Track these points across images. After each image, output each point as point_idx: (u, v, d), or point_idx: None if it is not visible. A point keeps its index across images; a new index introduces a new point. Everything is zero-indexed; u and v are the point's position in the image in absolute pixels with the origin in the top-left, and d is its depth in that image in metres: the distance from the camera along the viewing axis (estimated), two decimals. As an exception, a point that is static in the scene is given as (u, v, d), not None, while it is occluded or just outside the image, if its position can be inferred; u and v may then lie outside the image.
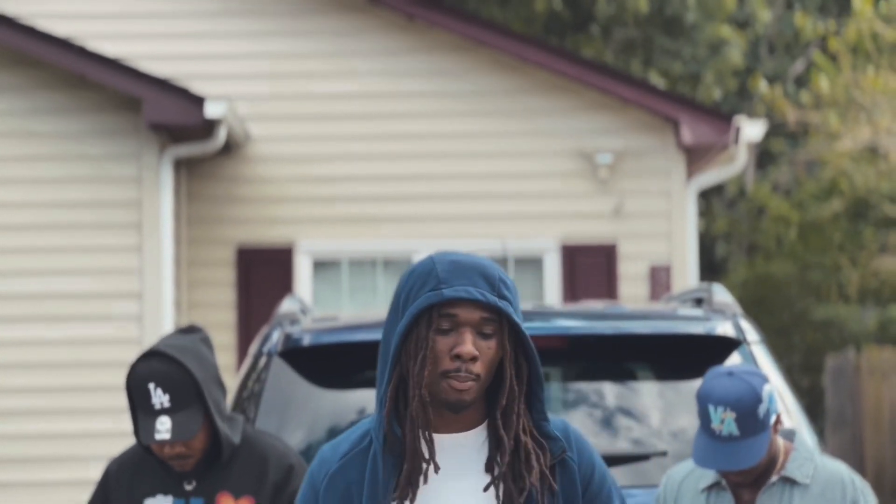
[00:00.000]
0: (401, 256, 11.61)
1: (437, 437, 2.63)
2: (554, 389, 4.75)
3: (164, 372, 3.81)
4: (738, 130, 11.56)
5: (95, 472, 9.94)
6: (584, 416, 4.62)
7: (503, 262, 11.52)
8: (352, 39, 11.67)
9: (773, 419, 3.87)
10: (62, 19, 11.51)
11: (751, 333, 4.72)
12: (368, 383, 4.69)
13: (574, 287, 11.52)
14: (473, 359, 2.57)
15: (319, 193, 11.59)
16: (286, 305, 5.00)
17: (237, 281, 11.52)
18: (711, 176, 12.24)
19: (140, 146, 10.30)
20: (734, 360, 4.64)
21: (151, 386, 3.80)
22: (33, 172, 10.32)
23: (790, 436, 4.03)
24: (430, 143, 11.64)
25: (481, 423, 2.64)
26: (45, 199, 10.31)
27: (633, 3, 19.18)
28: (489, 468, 2.62)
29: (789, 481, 3.93)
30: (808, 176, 20.94)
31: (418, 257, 11.52)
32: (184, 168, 11.37)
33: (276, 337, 4.72)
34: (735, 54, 19.94)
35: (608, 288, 11.55)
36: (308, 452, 4.52)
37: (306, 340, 4.66)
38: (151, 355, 3.85)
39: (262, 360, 4.71)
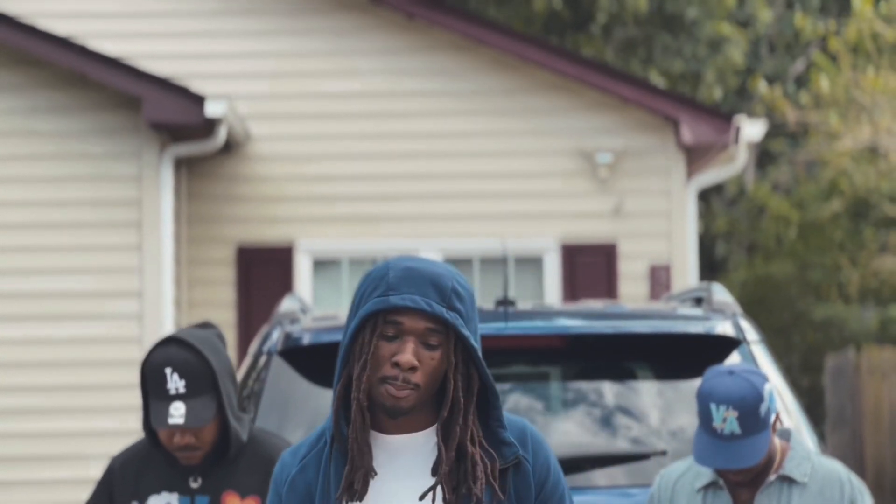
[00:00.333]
0: (401, 255, 11.60)
1: (386, 437, 2.64)
2: (553, 389, 4.75)
3: (182, 358, 3.81)
4: (738, 130, 11.56)
5: (96, 471, 9.94)
6: (583, 415, 4.62)
7: (503, 261, 11.52)
8: (352, 38, 11.68)
9: (773, 418, 3.88)
10: (63, 18, 11.51)
11: (750, 333, 4.72)
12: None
13: (574, 286, 11.52)
14: (413, 368, 2.57)
15: (319, 192, 11.59)
16: (286, 304, 5.00)
17: (237, 280, 11.52)
18: (711, 175, 12.24)
19: (140, 145, 10.31)
20: (734, 359, 4.64)
21: (168, 371, 3.80)
22: (34, 171, 10.32)
23: (786, 435, 4.03)
24: (430, 142, 11.64)
25: (432, 426, 2.65)
26: (45, 197, 10.31)
27: (633, 1, 19.18)
28: (435, 472, 2.63)
29: (787, 480, 3.93)
30: (808, 176, 20.94)
31: (419, 255, 11.52)
32: (184, 167, 11.37)
33: (276, 336, 4.73)
34: (736, 52, 19.94)
35: (608, 287, 11.55)
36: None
37: (306, 339, 4.66)
38: (169, 341, 3.85)
39: (262, 359, 4.72)
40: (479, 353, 2.62)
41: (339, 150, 11.62)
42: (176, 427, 3.77)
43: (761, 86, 20.43)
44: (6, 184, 10.32)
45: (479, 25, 11.51)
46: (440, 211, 11.60)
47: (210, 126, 10.44)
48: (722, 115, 11.70)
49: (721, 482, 3.97)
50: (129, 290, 10.20)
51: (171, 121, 10.15)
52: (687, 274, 11.57)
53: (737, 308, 4.87)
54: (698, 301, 5.05)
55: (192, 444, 3.82)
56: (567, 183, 11.65)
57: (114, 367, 10.18)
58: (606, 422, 4.60)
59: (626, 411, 4.61)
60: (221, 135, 10.52)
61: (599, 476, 4.47)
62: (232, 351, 11.35)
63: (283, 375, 4.61)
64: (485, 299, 11.43)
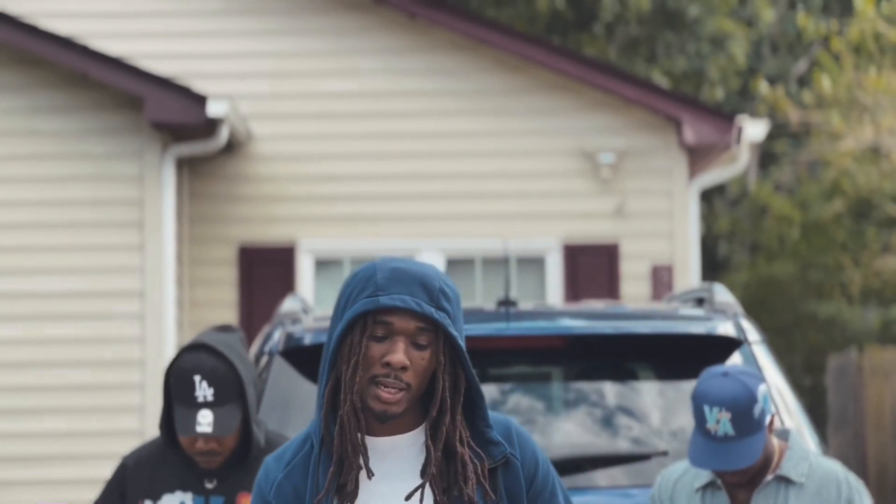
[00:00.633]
0: (403, 256, 11.59)
1: (373, 439, 2.63)
2: (555, 389, 4.75)
3: (211, 366, 3.80)
4: (740, 130, 11.55)
5: (99, 471, 9.95)
6: (585, 415, 4.62)
7: (505, 261, 11.52)
8: (354, 38, 11.67)
9: (767, 419, 3.87)
10: (64, 18, 11.51)
11: (752, 333, 4.72)
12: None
13: (576, 287, 11.52)
14: (404, 368, 2.58)
15: (321, 192, 11.59)
16: (288, 304, 5.00)
17: (239, 280, 11.52)
18: (714, 176, 12.24)
19: (142, 145, 10.31)
20: (735, 360, 4.64)
21: (197, 378, 3.78)
22: (36, 171, 10.33)
23: (784, 435, 4.03)
24: (432, 142, 11.63)
25: (420, 426, 2.65)
26: (47, 197, 10.31)
27: (636, 0, 19.18)
28: (424, 473, 2.63)
29: (784, 480, 3.93)
30: (810, 176, 20.93)
31: (420, 256, 11.52)
32: (186, 167, 11.37)
33: (278, 336, 4.73)
34: (738, 49, 19.92)
35: (610, 287, 11.55)
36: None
37: (307, 340, 4.66)
38: (198, 348, 3.83)
39: (264, 360, 4.72)
40: (466, 354, 2.63)
41: (341, 150, 11.62)
42: (203, 436, 3.77)
43: (763, 86, 20.42)
44: (8, 184, 10.32)
45: (480, 25, 11.51)
46: (442, 211, 11.60)
47: (212, 126, 10.44)
48: (724, 116, 11.69)
49: (719, 482, 3.98)
50: (131, 290, 10.21)
51: (172, 121, 10.15)
52: (689, 274, 11.56)
53: (738, 308, 4.87)
54: (700, 301, 5.05)
55: (215, 450, 3.81)
56: (569, 183, 11.65)
57: (116, 367, 10.18)
58: (608, 422, 4.59)
59: (628, 412, 4.61)
60: (223, 135, 10.52)
61: (600, 476, 4.47)
62: (234, 351, 11.33)
63: (284, 375, 4.61)
64: (486, 299, 11.45)
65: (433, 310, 2.58)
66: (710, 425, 3.81)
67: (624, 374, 4.73)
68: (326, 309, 10.38)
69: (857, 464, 14.58)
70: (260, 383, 4.66)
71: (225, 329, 3.95)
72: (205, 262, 11.53)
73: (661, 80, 19.59)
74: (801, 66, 22.54)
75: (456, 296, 2.64)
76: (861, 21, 18.48)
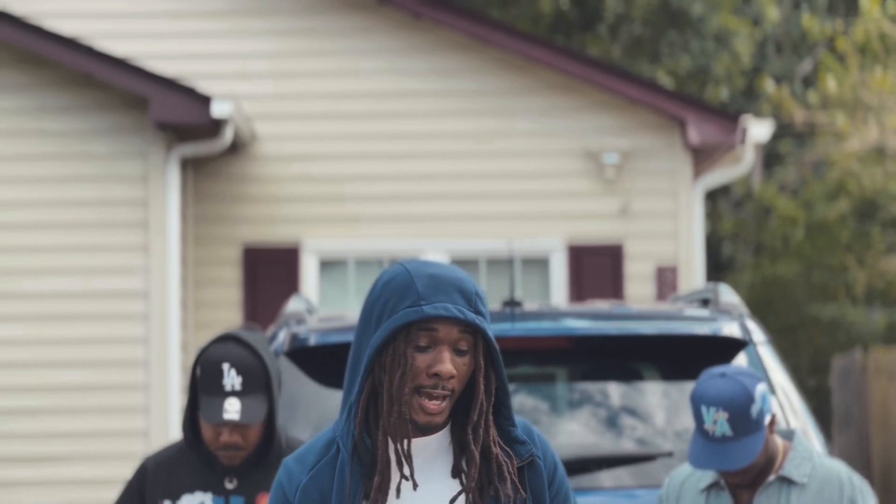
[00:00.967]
0: (407, 256, 11.60)
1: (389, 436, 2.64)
2: (560, 389, 4.74)
3: (240, 355, 3.81)
4: (744, 131, 11.54)
5: (103, 471, 9.95)
6: (589, 416, 4.61)
7: (510, 261, 11.51)
8: (358, 38, 11.67)
9: (767, 419, 3.87)
10: (69, 18, 11.52)
11: (757, 334, 4.71)
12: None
13: (580, 287, 11.51)
14: (451, 376, 2.58)
15: (325, 193, 11.59)
16: (292, 305, 5.00)
17: (243, 280, 11.52)
18: (718, 176, 12.23)
19: (146, 145, 10.31)
20: (740, 360, 4.63)
21: (226, 366, 3.79)
22: (40, 171, 10.33)
23: (789, 436, 4.03)
24: (436, 142, 11.63)
25: (446, 427, 2.65)
26: (51, 197, 10.31)
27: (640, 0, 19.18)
28: (455, 473, 2.63)
29: (786, 481, 3.93)
30: (815, 176, 20.92)
31: (424, 257, 11.51)
32: (190, 167, 11.38)
33: (283, 336, 4.72)
34: (742, 46, 19.91)
35: (614, 288, 11.54)
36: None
37: (312, 340, 4.66)
38: (227, 339, 3.85)
39: (269, 360, 4.71)
40: (500, 354, 2.65)
41: (346, 150, 11.62)
42: (231, 423, 3.76)
43: (768, 86, 20.41)
44: (13, 183, 10.33)
45: (485, 25, 11.51)
46: (446, 211, 11.59)
47: (216, 126, 10.44)
48: (729, 116, 11.68)
49: (722, 483, 3.98)
50: (135, 291, 10.21)
51: (177, 121, 10.15)
52: (693, 275, 11.56)
53: (744, 309, 4.86)
54: (705, 302, 5.04)
55: (238, 444, 3.81)
56: (573, 183, 11.65)
57: (120, 367, 10.18)
58: (613, 423, 4.59)
59: (633, 412, 4.61)
60: (228, 135, 10.52)
61: (605, 477, 4.47)
62: (238, 351, 11.33)
63: (289, 376, 4.61)
64: (492, 300, 11.44)
65: (474, 316, 2.59)
66: (708, 426, 3.82)
67: (629, 374, 4.72)
68: (331, 309, 10.38)
69: (862, 464, 14.57)
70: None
71: (250, 328, 3.97)
72: (209, 262, 11.53)
73: (665, 79, 19.58)
74: (805, 66, 22.52)
75: (485, 297, 2.66)
76: (866, 21, 18.47)
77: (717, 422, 3.81)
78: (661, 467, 4.46)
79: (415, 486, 2.59)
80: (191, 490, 3.90)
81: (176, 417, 10.13)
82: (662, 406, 4.60)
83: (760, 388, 3.86)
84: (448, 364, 2.57)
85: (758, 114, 20.72)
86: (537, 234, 11.58)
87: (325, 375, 4.65)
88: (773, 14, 20.99)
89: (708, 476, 4.00)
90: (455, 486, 2.62)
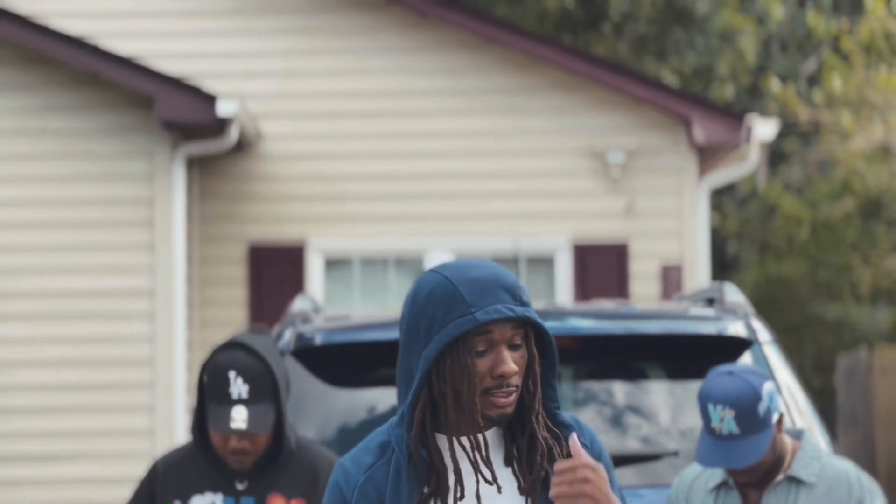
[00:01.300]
0: (412, 255, 11.61)
1: (454, 438, 2.66)
2: (565, 389, 4.75)
3: (247, 363, 3.81)
4: (750, 129, 11.54)
5: (109, 469, 9.97)
6: (594, 415, 4.62)
7: (515, 261, 11.52)
8: (364, 37, 11.68)
9: (774, 417, 3.87)
10: (75, 18, 11.53)
11: (762, 333, 4.72)
12: (380, 382, 4.70)
13: (585, 286, 11.52)
14: (515, 373, 2.62)
15: (331, 191, 11.60)
16: (298, 304, 5.00)
17: (249, 279, 11.53)
18: (723, 175, 12.23)
19: (152, 144, 10.32)
20: (746, 360, 4.63)
21: (232, 374, 3.79)
22: (46, 170, 10.34)
23: (798, 435, 4.03)
24: (441, 141, 11.64)
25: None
26: (57, 196, 10.33)
27: None
28: (508, 462, 2.66)
29: (795, 480, 3.93)
30: (820, 175, 20.90)
31: (430, 256, 11.52)
32: (196, 166, 11.39)
33: (288, 336, 4.73)
34: (747, 44, 19.89)
35: (619, 287, 11.54)
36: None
37: (318, 339, 4.66)
38: (233, 346, 3.84)
39: (274, 359, 4.72)
40: (551, 335, 2.68)
41: (351, 149, 11.63)
42: (238, 432, 3.76)
43: (774, 85, 20.39)
44: (19, 182, 10.34)
45: (491, 24, 11.51)
46: (451, 210, 11.60)
47: (222, 125, 10.45)
48: (734, 115, 11.68)
49: (731, 482, 3.98)
50: (140, 289, 10.22)
51: (183, 120, 10.16)
52: (698, 274, 11.56)
53: (749, 308, 4.86)
54: (710, 301, 5.04)
55: (247, 449, 3.81)
56: (578, 182, 11.65)
57: (126, 366, 10.20)
58: (618, 422, 4.60)
59: (638, 412, 4.61)
60: (233, 134, 10.53)
61: (611, 476, 4.47)
62: (243, 350, 11.34)
63: (295, 376, 4.62)
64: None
65: (523, 310, 2.62)
66: (715, 424, 3.82)
67: (634, 374, 4.73)
68: (336, 308, 10.39)
69: (868, 463, 14.56)
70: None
71: (258, 331, 3.96)
72: (215, 261, 11.54)
73: (670, 78, 19.57)
74: (810, 65, 22.50)
75: (523, 285, 2.69)
76: (871, 20, 18.46)
77: (724, 420, 3.81)
78: (667, 467, 4.46)
79: (499, 489, 2.63)
80: (201, 491, 3.90)
81: (181, 416, 10.14)
82: (668, 405, 4.60)
83: (768, 386, 3.86)
84: (510, 363, 2.60)
85: (763, 112, 20.71)
86: (542, 232, 11.58)
87: (331, 374, 4.65)
88: (777, 12, 20.97)
89: (717, 476, 4.00)
90: (508, 474, 2.65)
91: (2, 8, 10.15)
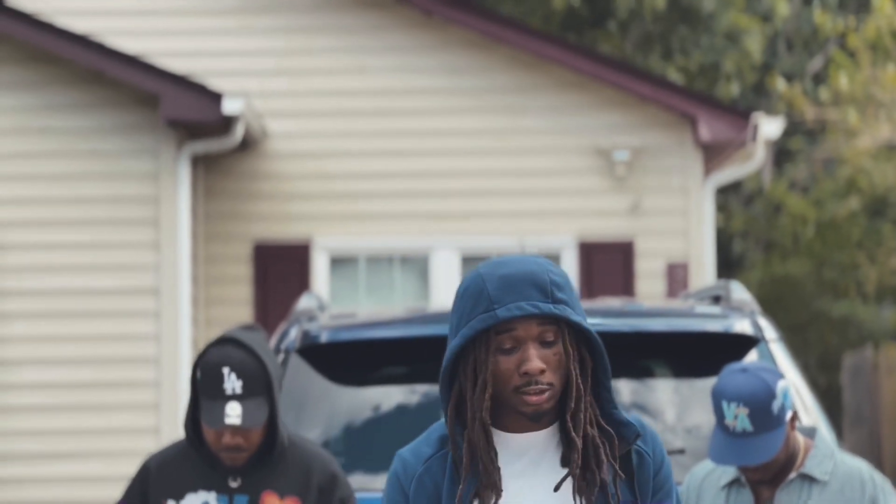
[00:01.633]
0: (418, 253, 11.61)
1: (513, 436, 2.65)
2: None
3: (240, 359, 3.80)
4: (755, 128, 11.53)
5: (114, 468, 9.96)
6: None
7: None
8: (369, 36, 11.67)
9: (788, 415, 3.86)
10: (80, 16, 11.53)
11: (769, 331, 4.71)
12: (385, 380, 4.69)
13: (591, 284, 11.51)
14: (542, 371, 2.58)
15: (336, 190, 11.59)
16: (304, 302, 4.99)
17: (254, 277, 11.53)
18: (729, 173, 12.22)
19: (157, 142, 10.32)
20: (752, 357, 4.63)
21: (226, 370, 3.79)
22: (51, 168, 10.35)
23: (811, 433, 4.02)
24: (447, 139, 11.63)
25: (556, 422, 2.66)
26: (62, 195, 10.33)
27: (650, -1, 19.16)
28: (565, 463, 2.65)
29: (808, 478, 3.92)
30: (825, 173, 20.88)
31: (435, 254, 11.53)
32: (201, 164, 11.39)
33: (294, 334, 4.72)
34: (753, 43, 19.87)
35: (625, 285, 11.54)
36: (326, 449, 4.52)
37: (324, 337, 4.66)
38: (225, 342, 3.84)
39: (280, 357, 4.71)
40: (593, 333, 2.63)
41: (356, 148, 11.62)
42: (232, 428, 3.76)
43: (780, 83, 20.37)
44: (24, 181, 10.34)
45: (496, 23, 11.50)
46: (457, 209, 11.59)
47: (227, 123, 10.45)
48: (739, 113, 11.67)
49: (743, 479, 3.97)
50: (146, 288, 10.22)
51: (188, 118, 10.16)
52: (704, 272, 11.55)
53: (755, 306, 4.86)
54: (716, 299, 5.04)
55: (241, 445, 3.81)
56: (584, 181, 11.64)
57: (131, 365, 10.20)
58: (624, 420, 4.58)
59: (644, 409, 4.61)
60: (238, 132, 10.53)
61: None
62: (249, 348, 11.34)
63: (300, 373, 4.61)
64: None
65: (551, 306, 2.58)
66: (729, 421, 3.81)
67: (640, 371, 4.72)
68: (342, 307, 10.38)
69: (873, 461, 14.55)
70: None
71: (249, 328, 3.96)
72: (220, 259, 11.54)
73: (676, 76, 19.56)
74: (816, 62, 22.48)
75: (566, 280, 2.63)
76: (878, 17, 18.44)
77: (738, 417, 3.80)
78: (674, 464, 4.46)
79: (499, 494, 2.61)
80: (194, 489, 3.90)
81: (187, 414, 10.14)
82: (674, 403, 4.60)
83: (782, 383, 3.85)
84: (535, 361, 2.57)
85: (769, 111, 20.69)
86: (548, 231, 11.57)
87: (337, 372, 4.65)
88: (783, 10, 20.95)
89: (728, 473, 3.99)
90: (564, 474, 2.64)
91: (6, 5, 10.15)
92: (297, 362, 4.64)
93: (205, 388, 3.81)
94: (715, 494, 3.98)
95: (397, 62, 11.67)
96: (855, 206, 18.65)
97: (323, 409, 4.56)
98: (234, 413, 3.76)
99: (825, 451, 3.95)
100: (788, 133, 20.81)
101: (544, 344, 2.60)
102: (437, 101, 11.66)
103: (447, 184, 11.62)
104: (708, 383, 4.59)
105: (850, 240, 18.60)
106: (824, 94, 19.43)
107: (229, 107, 10.20)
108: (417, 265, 11.64)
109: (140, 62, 10.18)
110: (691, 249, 11.57)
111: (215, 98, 10.16)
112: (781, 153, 22.49)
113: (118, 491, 9.93)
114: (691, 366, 4.68)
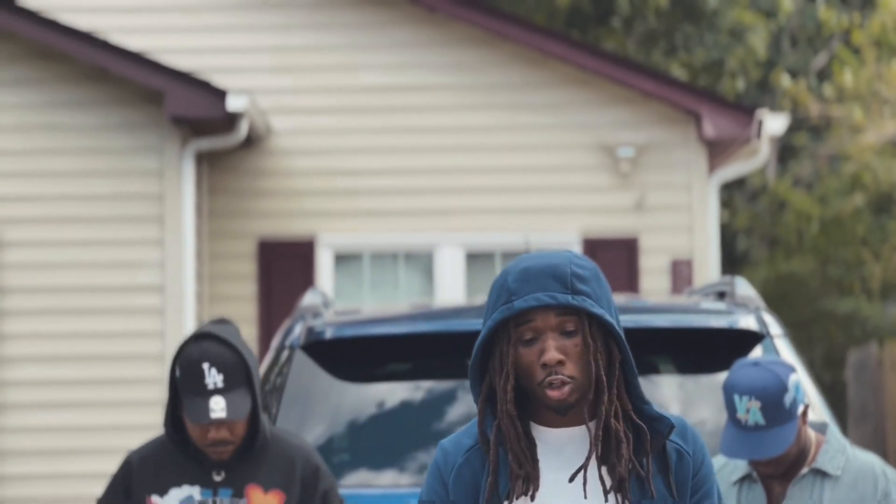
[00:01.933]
0: (422, 250, 11.61)
1: (552, 431, 2.65)
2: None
3: (219, 353, 3.81)
4: (760, 124, 11.52)
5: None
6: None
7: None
8: (374, 33, 11.67)
9: (800, 409, 3.85)
10: (84, 13, 11.53)
11: (774, 327, 4.70)
12: (390, 376, 4.69)
13: (595, 281, 11.49)
14: (560, 362, 2.58)
15: (340, 187, 11.59)
16: (308, 298, 4.99)
17: (258, 274, 11.54)
18: (733, 169, 12.21)
19: (162, 139, 10.32)
20: (757, 353, 4.62)
21: (206, 366, 3.79)
22: (56, 166, 10.35)
23: (822, 428, 4.01)
24: (451, 136, 11.63)
25: (593, 419, 2.66)
26: (67, 192, 10.33)
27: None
28: (603, 461, 2.64)
29: (820, 473, 3.91)
30: (830, 170, 20.86)
31: (439, 251, 11.53)
32: (205, 161, 11.39)
33: (299, 330, 4.72)
34: (757, 40, 19.85)
35: (630, 282, 11.53)
36: (330, 445, 4.52)
37: (329, 333, 4.65)
38: (202, 337, 3.85)
39: (285, 354, 4.71)
40: (618, 327, 2.62)
41: (361, 145, 11.62)
42: (218, 422, 3.77)
43: (784, 79, 20.35)
44: (28, 178, 10.35)
45: (500, 19, 11.50)
46: (462, 205, 11.59)
47: (231, 120, 10.45)
48: (744, 109, 11.66)
49: (755, 475, 3.96)
50: (150, 285, 10.22)
51: (192, 115, 10.16)
52: (708, 269, 11.54)
53: (760, 302, 4.85)
54: (721, 295, 5.03)
55: (226, 439, 3.81)
56: (588, 177, 11.64)
57: (136, 362, 10.20)
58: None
59: (649, 405, 4.60)
60: (243, 129, 10.53)
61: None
62: (253, 346, 11.36)
63: (305, 370, 4.61)
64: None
65: (569, 297, 2.58)
66: (741, 414, 3.81)
67: (645, 367, 4.71)
68: (346, 303, 10.38)
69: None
70: (280, 377, 4.66)
71: (221, 322, 3.97)
72: (224, 256, 11.54)
73: (680, 72, 19.55)
74: (821, 59, 22.45)
75: (594, 274, 2.63)
76: (882, 14, 18.42)
77: (750, 410, 3.79)
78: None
79: (536, 486, 2.60)
80: (178, 484, 3.90)
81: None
82: (679, 399, 4.59)
83: (794, 377, 3.84)
84: (552, 351, 2.57)
85: (773, 107, 20.67)
86: (552, 228, 11.57)
87: (341, 369, 4.65)
88: (787, 6, 20.93)
89: (740, 468, 3.99)
90: (602, 472, 2.63)
91: (11, 3, 10.15)
92: (301, 359, 4.63)
93: (186, 385, 3.81)
94: (727, 490, 3.98)
95: (401, 59, 11.66)
96: (859, 203, 18.63)
97: (327, 406, 4.56)
98: (218, 407, 3.77)
99: (837, 446, 3.94)
100: (793, 129, 20.79)
101: (564, 334, 2.59)
102: (442, 97, 11.66)
103: (451, 180, 11.62)
104: (713, 379, 4.58)
105: (855, 236, 18.59)
106: (829, 90, 19.41)
107: (233, 104, 10.20)
108: (422, 262, 11.64)
109: (144, 59, 10.18)
110: (696, 246, 11.56)
111: (220, 95, 10.16)
112: (786, 150, 22.47)
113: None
114: (696, 362, 4.68)
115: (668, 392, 4.62)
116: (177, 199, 10.25)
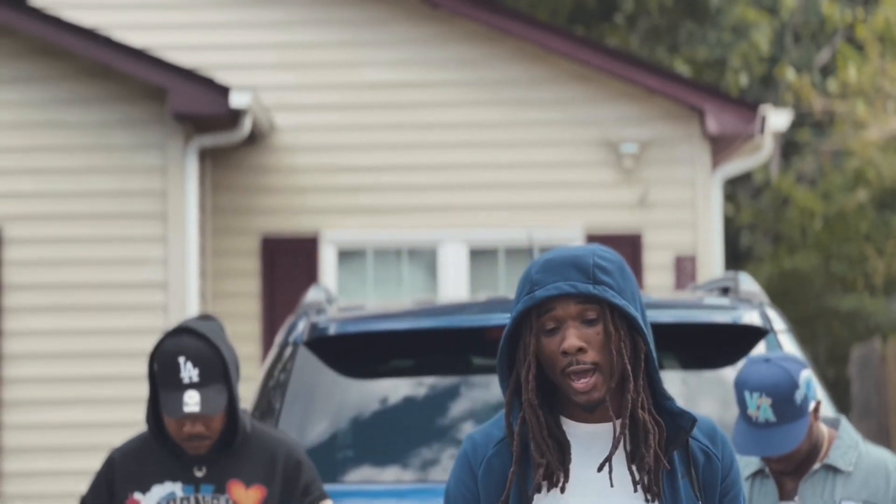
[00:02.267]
0: (426, 246, 11.61)
1: (579, 425, 2.65)
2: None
3: (195, 347, 3.83)
4: (763, 120, 11.51)
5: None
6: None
7: (529, 252, 11.50)
8: (377, 29, 11.67)
9: (811, 405, 3.85)
10: (88, 9, 11.53)
11: (777, 322, 4.70)
12: (394, 372, 4.69)
13: (599, 277, 11.48)
14: (581, 350, 2.58)
15: (344, 183, 11.59)
16: (312, 295, 4.99)
17: (262, 271, 11.53)
18: (737, 165, 12.20)
19: (165, 136, 10.32)
20: (761, 348, 4.62)
21: (181, 360, 3.81)
22: (59, 163, 10.35)
23: (834, 423, 4.00)
24: (454, 132, 11.62)
25: (619, 418, 2.65)
26: (70, 189, 10.33)
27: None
28: (633, 458, 2.63)
29: (832, 469, 3.90)
30: (833, 166, 20.84)
31: (443, 247, 11.53)
32: (209, 158, 11.39)
33: (302, 326, 4.72)
34: (761, 37, 19.84)
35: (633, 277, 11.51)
36: (334, 441, 4.52)
37: (332, 330, 4.65)
38: (180, 332, 3.87)
39: (288, 350, 4.71)
40: (642, 320, 2.62)
41: (364, 141, 11.62)
42: (191, 416, 3.78)
43: (788, 74, 20.33)
44: (32, 175, 10.35)
45: (503, 15, 11.49)
46: (465, 202, 11.59)
47: (235, 117, 10.45)
48: (747, 105, 11.65)
49: (767, 470, 3.96)
50: (153, 282, 10.22)
51: (195, 112, 10.16)
52: (712, 265, 11.53)
53: (764, 298, 4.85)
54: (725, 290, 5.03)
55: (202, 434, 3.83)
56: (592, 173, 11.63)
57: (139, 359, 10.20)
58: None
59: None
60: (246, 126, 10.53)
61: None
62: (257, 342, 11.36)
63: (309, 366, 4.61)
64: (510, 290, 11.42)
65: (590, 286, 2.58)
66: (752, 411, 3.80)
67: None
68: (350, 299, 10.38)
69: (882, 454, 14.53)
70: (283, 374, 4.66)
71: (205, 318, 3.99)
72: (227, 253, 11.54)
73: (683, 68, 19.54)
74: (824, 54, 22.43)
75: (617, 266, 2.63)
76: (886, 9, 18.40)
77: (761, 407, 3.79)
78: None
79: (566, 477, 2.59)
80: (160, 480, 3.92)
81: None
82: (683, 395, 4.59)
83: (805, 374, 3.84)
84: (572, 339, 2.58)
85: (776, 103, 20.66)
86: (556, 224, 11.56)
87: (345, 365, 4.65)
88: (790, 1, 20.91)
89: (752, 464, 3.98)
90: (628, 467, 2.63)
91: None
92: (305, 355, 4.63)
93: (162, 378, 3.83)
94: None
95: (404, 55, 11.66)
96: (863, 199, 18.62)
97: (331, 402, 4.56)
98: (192, 401, 3.78)
99: (850, 442, 3.93)
100: (796, 125, 20.77)
101: (586, 322, 2.60)
102: (445, 93, 11.65)
103: (454, 177, 11.61)
104: (717, 375, 4.58)
105: (858, 232, 18.57)
106: (832, 86, 19.39)
107: (237, 100, 10.20)
108: (425, 258, 11.64)
109: (147, 56, 10.17)
110: (699, 242, 11.55)
111: (223, 92, 10.16)
112: (789, 145, 22.45)
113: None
114: (700, 357, 4.68)
115: (672, 388, 4.61)
116: (180, 196, 10.24)
